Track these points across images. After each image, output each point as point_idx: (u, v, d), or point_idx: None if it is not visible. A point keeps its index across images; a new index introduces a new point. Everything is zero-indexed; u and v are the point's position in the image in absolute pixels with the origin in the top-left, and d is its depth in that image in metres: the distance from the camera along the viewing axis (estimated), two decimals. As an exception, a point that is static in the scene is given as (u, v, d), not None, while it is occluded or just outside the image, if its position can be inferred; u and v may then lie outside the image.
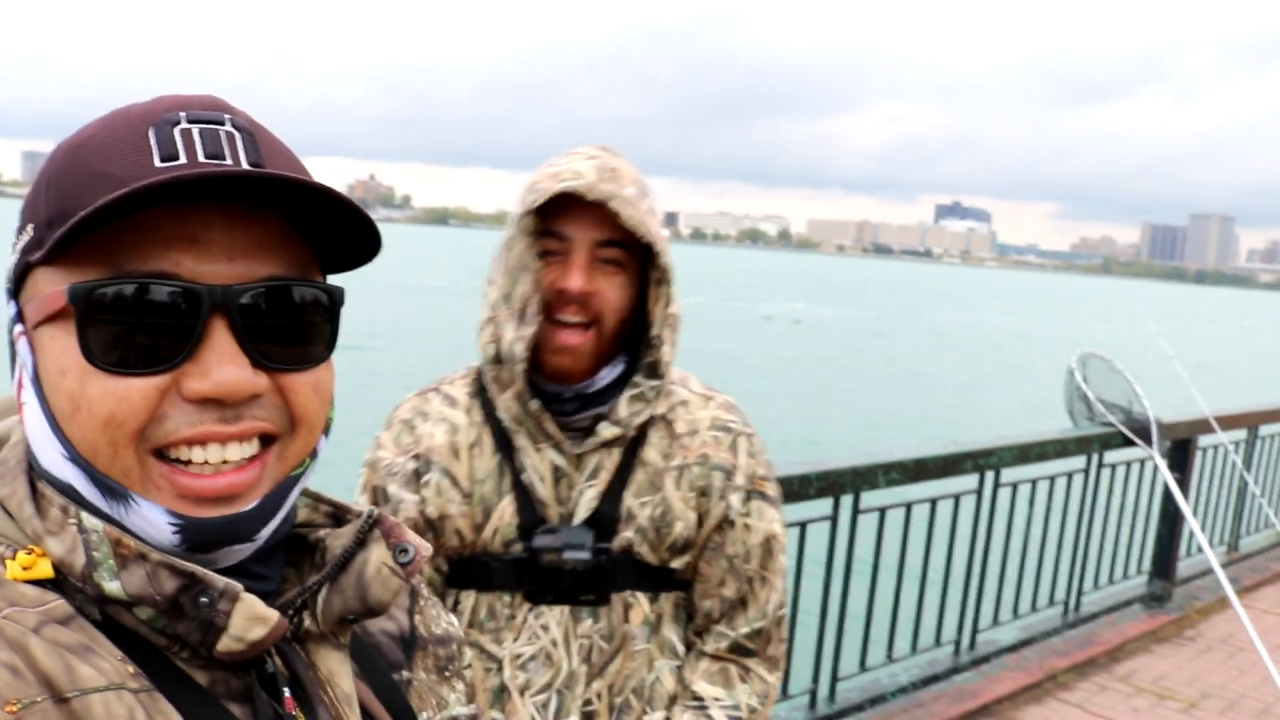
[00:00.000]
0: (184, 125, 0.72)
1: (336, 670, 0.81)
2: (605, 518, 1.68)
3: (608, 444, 1.69)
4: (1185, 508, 5.14)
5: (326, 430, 0.81)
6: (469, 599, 1.71)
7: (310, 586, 0.79)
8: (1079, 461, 5.25)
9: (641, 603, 1.70)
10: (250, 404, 0.72)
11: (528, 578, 1.67)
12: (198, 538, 0.72)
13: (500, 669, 1.69)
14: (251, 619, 0.72)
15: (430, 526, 1.70)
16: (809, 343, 38.17)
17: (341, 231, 0.77)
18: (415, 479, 1.71)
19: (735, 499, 1.73)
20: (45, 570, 0.71)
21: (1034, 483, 4.94)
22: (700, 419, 1.75)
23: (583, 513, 1.68)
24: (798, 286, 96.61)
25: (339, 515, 0.87)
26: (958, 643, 4.70)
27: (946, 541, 4.48)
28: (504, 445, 1.70)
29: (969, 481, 4.54)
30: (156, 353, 0.70)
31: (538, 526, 1.67)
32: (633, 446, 1.71)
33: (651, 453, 1.71)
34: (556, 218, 1.61)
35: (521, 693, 1.68)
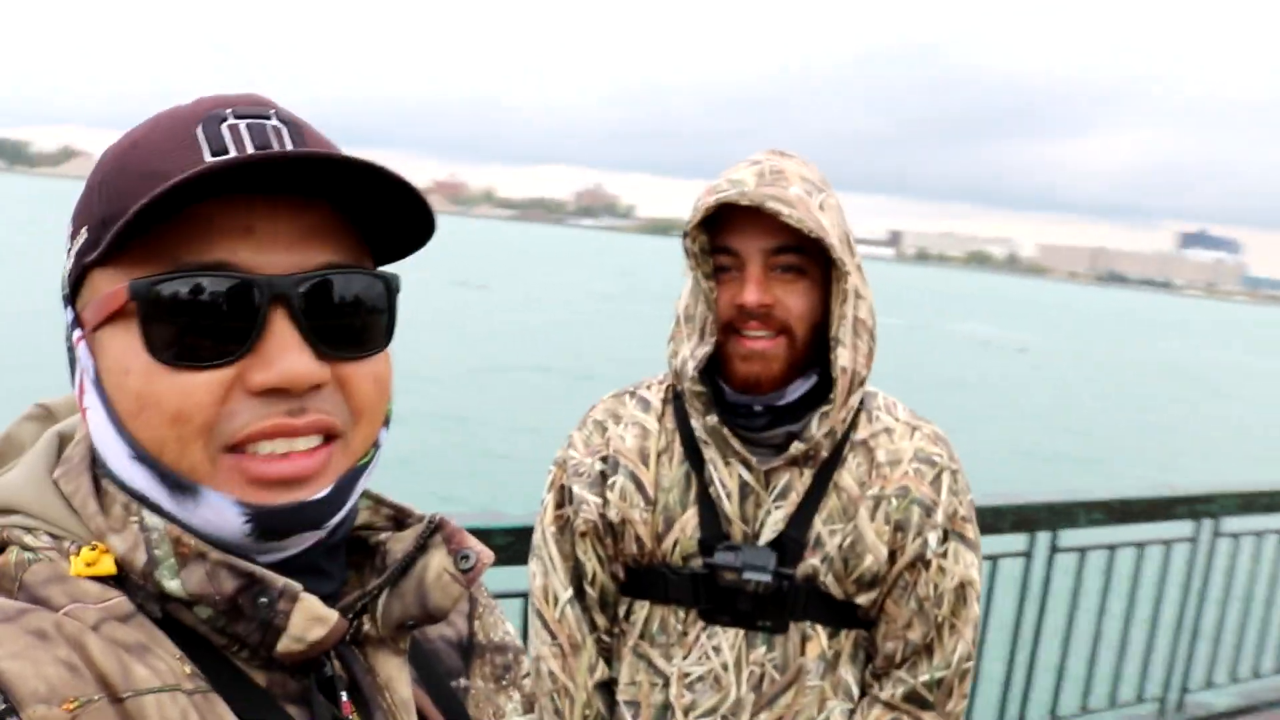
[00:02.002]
0: (231, 121, 0.72)
1: (395, 676, 0.80)
2: (791, 541, 1.61)
3: (798, 464, 1.62)
4: None
5: (386, 422, 0.80)
6: (642, 610, 1.69)
7: (371, 590, 0.78)
8: (1317, 516, 4.80)
9: (820, 636, 1.63)
10: (313, 395, 0.72)
11: (704, 595, 1.63)
12: (269, 524, 0.71)
13: (666, 685, 1.65)
14: (311, 619, 0.72)
15: (611, 531, 1.68)
16: (1027, 371, 36.62)
17: (394, 219, 0.76)
18: (601, 480, 1.69)
19: (933, 537, 1.63)
20: (108, 567, 0.71)
21: (1260, 534, 4.54)
22: (903, 449, 1.66)
23: (768, 534, 1.62)
24: (1020, 312, 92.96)
25: (400, 518, 0.86)
26: (1163, 700, 4.36)
27: (1154, 590, 4.17)
28: (694, 455, 1.66)
29: (1183, 528, 4.22)
30: (220, 346, 0.69)
31: (719, 542, 1.62)
32: (827, 469, 1.63)
33: (847, 478, 1.63)
34: (725, 231, 1.57)
35: (686, 713, 1.64)
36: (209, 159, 0.70)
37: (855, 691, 1.66)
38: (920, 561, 1.63)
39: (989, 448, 17.91)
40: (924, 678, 1.64)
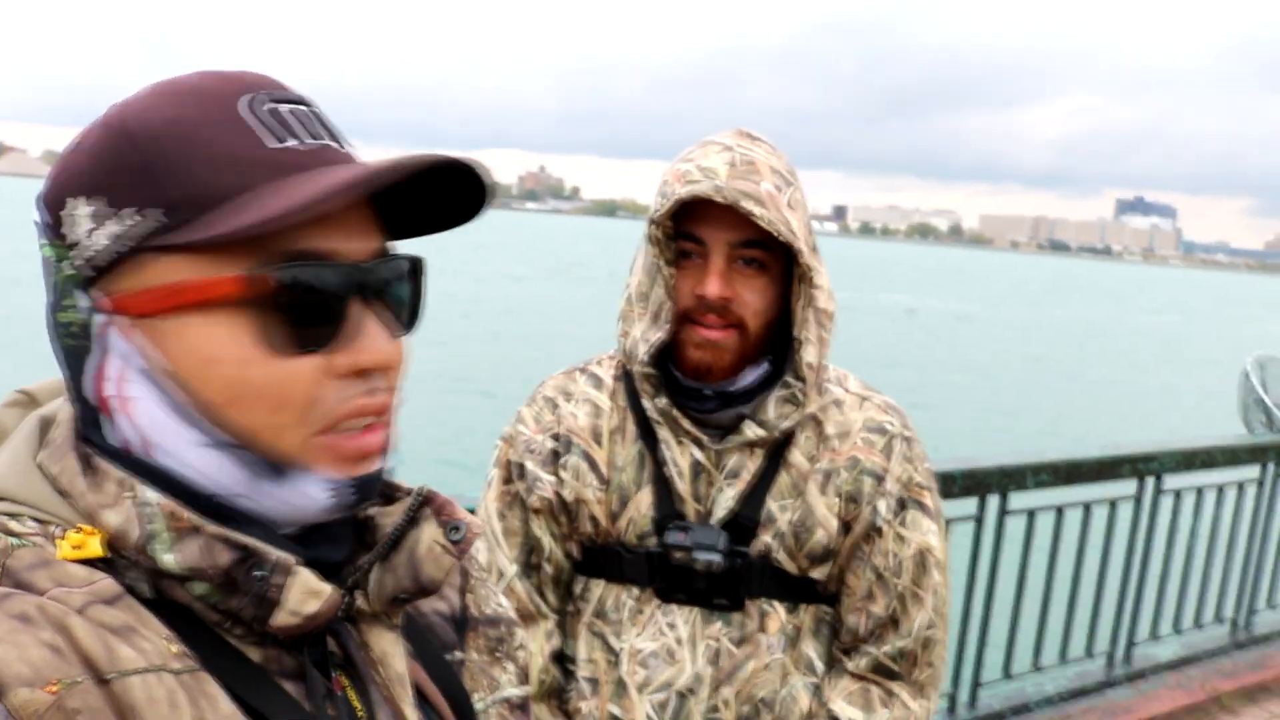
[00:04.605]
0: (270, 105, 0.73)
1: (389, 651, 0.80)
2: (744, 520, 1.60)
3: (751, 444, 1.61)
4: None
5: None
6: (598, 588, 1.67)
7: (362, 565, 0.78)
8: (1252, 471, 4.93)
9: (778, 612, 1.62)
10: (382, 375, 0.75)
11: (659, 574, 1.61)
12: (351, 496, 0.75)
13: (619, 663, 1.63)
14: (306, 592, 0.72)
15: (565, 510, 1.66)
16: (962, 340, 37.12)
17: (411, 203, 0.78)
18: (554, 459, 1.66)
19: (884, 506, 1.62)
20: (95, 550, 0.71)
21: (1199, 490, 4.67)
22: (853, 420, 1.64)
23: (720, 513, 1.60)
24: (958, 282, 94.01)
25: (388, 493, 0.86)
26: (1111, 655, 4.48)
27: (1101, 548, 4.28)
28: (647, 434, 1.64)
29: (1127, 487, 4.32)
30: (318, 332, 0.72)
31: (673, 522, 1.61)
32: (779, 448, 1.62)
33: (797, 455, 1.62)
34: (691, 219, 1.53)
35: (640, 690, 1.61)
36: (271, 145, 0.71)
37: (820, 666, 1.65)
38: (874, 531, 1.62)
39: (939, 417, 18.16)
40: (888, 649, 1.64)
